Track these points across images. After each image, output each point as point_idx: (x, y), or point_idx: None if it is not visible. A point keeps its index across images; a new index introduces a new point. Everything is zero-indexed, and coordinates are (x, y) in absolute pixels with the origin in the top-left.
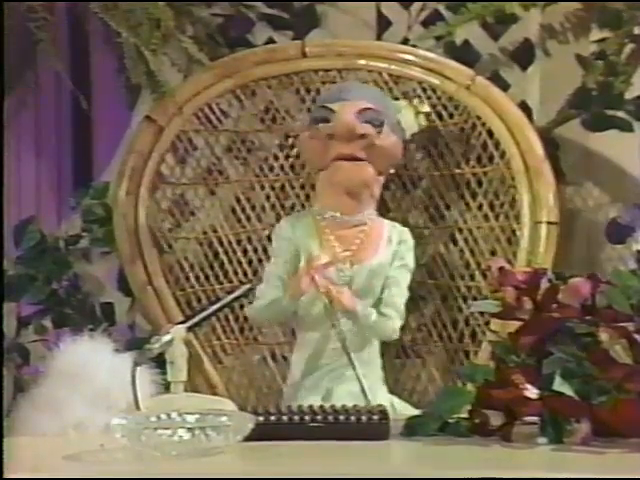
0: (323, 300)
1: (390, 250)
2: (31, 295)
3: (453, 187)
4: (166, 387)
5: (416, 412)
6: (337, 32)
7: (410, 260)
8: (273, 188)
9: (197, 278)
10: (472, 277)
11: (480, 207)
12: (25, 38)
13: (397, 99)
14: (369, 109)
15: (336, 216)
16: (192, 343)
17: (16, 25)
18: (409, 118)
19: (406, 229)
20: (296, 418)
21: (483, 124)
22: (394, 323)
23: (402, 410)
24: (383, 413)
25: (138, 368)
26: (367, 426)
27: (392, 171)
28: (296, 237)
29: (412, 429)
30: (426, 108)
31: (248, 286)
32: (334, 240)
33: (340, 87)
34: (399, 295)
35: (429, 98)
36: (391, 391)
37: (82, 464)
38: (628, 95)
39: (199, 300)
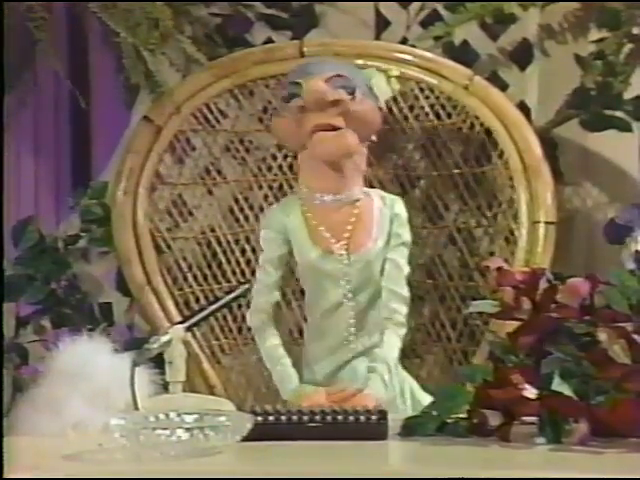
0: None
1: (384, 232)
2: (30, 295)
3: (451, 187)
4: (165, 387)
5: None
6: (336, 32)
7: (406, 235)
8: (271, 188)
9: (195, 278)
10: (470, 277)
11: (478, 207)
12: (24, 38)
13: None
14: (338, 76)
15: (323, 199)
16: (190, 343)
17: (15, 25)
18: (381, 84)
19: (397, 198)
20: (294, 418)
21: (481, 124)
22: (402, 318)
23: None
24: (381, 413)
25: (137, 368)
26: (365, 426)
27: (374, 138)
28: (286, 230)
29: (410, 429)
30: (396, 72)
31: (246, 286)
32: (324, 231)
33: (304, 64)
34: (401, 280)
35: (427, 98)
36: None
37: (81, 464)
38: (627, 95)
39: (197, 300)
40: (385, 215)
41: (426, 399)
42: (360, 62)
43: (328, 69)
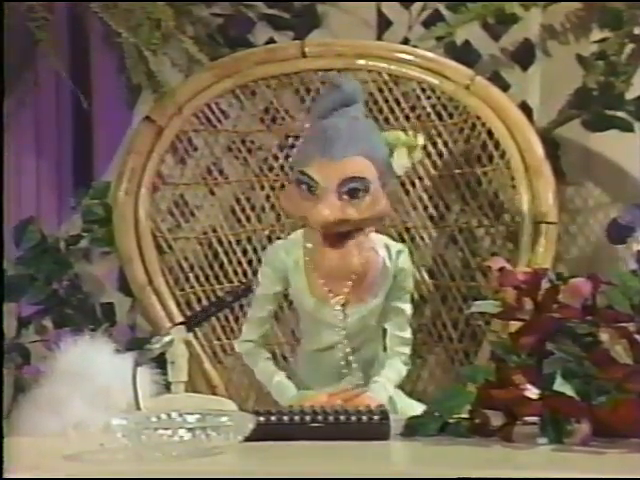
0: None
1: (386, 286)
2: (31, 295)
3: (453, 187)
4: (167, 387)
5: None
6: (337, 32)
7: (410, 285)
8: (273, 188)
9: (197, 278)
10: (472, 277)
11: (480, 207)
12: (25, 38)
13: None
14: (354, 178)
15: (324, 261)
16: (192, 343)
17: (16, 25)
18: (402, 159)
19: (403, 251)
20: (297, 418)
21: (483, 124)
22: (407, 359)
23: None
24: (383, 413)
25: (139, 368)
26: (368, 426)
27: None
28: (286, 269)
29: (412, 429)
30: (421, 141)
31: (248, 286)
32: (323, 285)
33: (325, 133)
34: (404, 324)
35: (429, 98)
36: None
37: (82, 464)
38: (628, 95)
39: (199, 300)
40: (389, 269)
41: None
42: (362, 62)
43: (345, 152)
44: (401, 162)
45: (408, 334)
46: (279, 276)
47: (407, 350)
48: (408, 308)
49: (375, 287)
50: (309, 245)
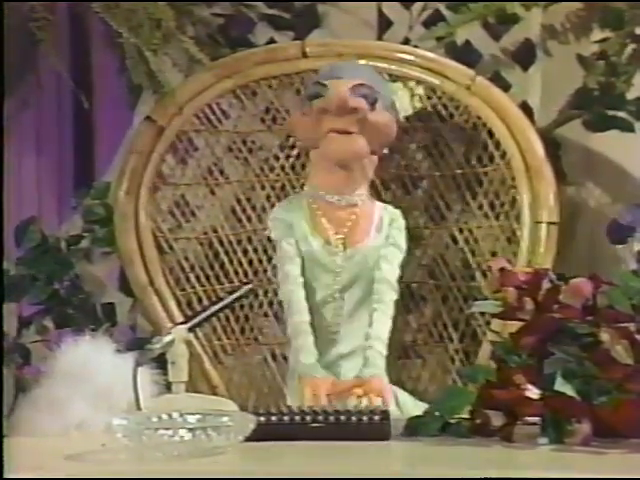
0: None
1: (382, 234)
2: (32, 295)
3: (454, 187)
4: (167, 387)
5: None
6: (338, 32)
7: (401, 240)
8: (274, 188)
9: (198, 278)
10: (473, 277)
11: (480, 207)
12: (26, 38)
13: (394, 81)
14: (363, 85)
15: (327, 198)
16: (192, 343)
17: (17, 25)
18: (404, 100)
19: (398, 211)
20: (297, 418)
21: (483, 124)
22: (390, 302)
23: (405, 401)
24: (384, 413)
25: (139, 368)
26: (368, 426)
27: (386, 151)
28: (291, 221)
29: (413, 429)
30: (421, 91)
31: (249, 286)
32: (326, 222)
33: (335, 65)
34: (391, 271)
35: (429, 98)
36: None
37: (83, 464)
38: (629, 95)
39: (200, 300)
40: (384, 220)
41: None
42: (362, 62)
43: (354, 75)
44: (404, 102)
45: (394, 281)
46: (288, 227)
47: (392, 294)
48: (397, 264)
49: (372, 232)
50: (312, 187)
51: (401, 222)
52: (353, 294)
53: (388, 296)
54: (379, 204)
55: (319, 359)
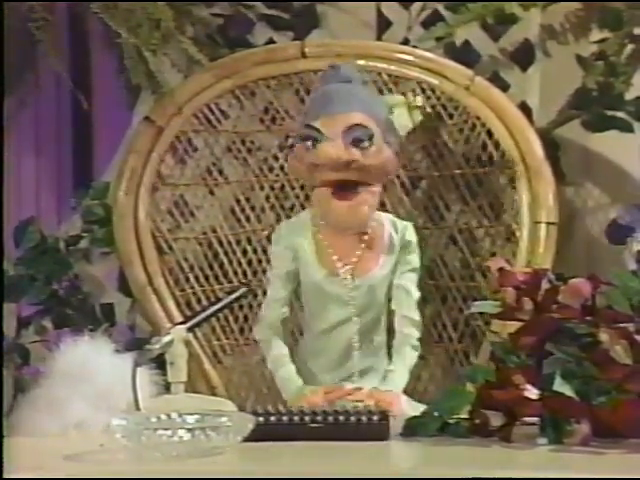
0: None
1: (393, 258)
2: (31, 295)
3: (453, 187)
4: (166, 388)
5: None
6: (337, 32)
7: (415, 261)
8: (273, 188)
9: (197, 278)
10: (472, 277)
11: (480, 207)
12: (25, 39)
13: (390, 91)
14: (357, 125)
15: (334, 227)
16: (191, 343)
17: (16, 26)
18: (403, 117)
19: (409, 225)
20: (296, 419)
21: (482, 124)
22: (416, 342)
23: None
24: (383, 413)
25: (138, 368)
26: (367, 426)
27: (390, 177)
28: (295, 247)
29: (412, 429)
30: (420, 101)
31: (248, 287)
32: (333, 253)
33: (326, 94)
34: (412, 305)
35: (428, 98)
36: None
37: (82, 464)
38: (628, 96)
39: (199, 301)
40: (395, 242)
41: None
42: (361, 63)
43: (348, 107)
44: (402, 120)
45: (417, 316)
46: (290, 254)
47: (416, 333)
48: (415, 290)
49: (382, 257)
50: (318, 219)
51: (413, 241)
52: (364, 319)
53: (412, 336)
54: (388, 220)
55: (327, 378)
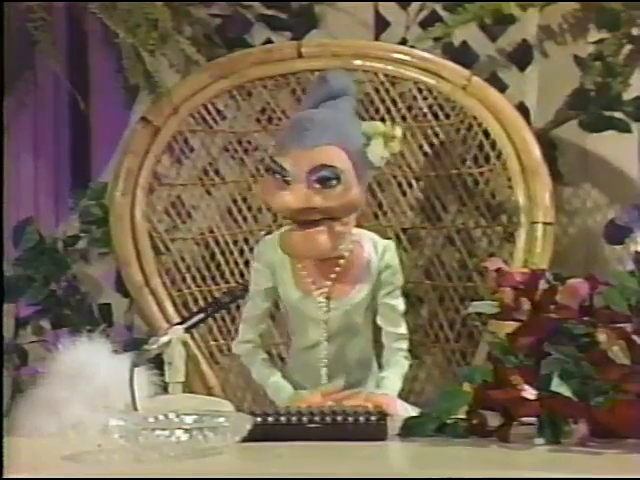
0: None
1: (371, 281)
2: (29, 296)
3: (450, 188)
4: (164, 388)
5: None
6: (335, 33)
7: (398, 280)
8: None
9: (194, 279)
10: (469, 278)
11: (477, 208)
12: (23, 39)
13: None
14: (324, 166)
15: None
16: (189, 344)
17: (15, 26)
18: (377, 150)
19: (389, 244)
20: (294, 419)
21: (479, 124)
22: (406, 354)
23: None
24: (381, 414)
25: (136, 369)
26: (365, 427)
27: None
28: (272, 263)
29: (410, 430)
30: (398, 132)
31: (245, 287)
32: (306, 276)
33: (300, 123)
34: (398, 320)
35: (425, 99)
36: None
37: (80, 464)
38: (626, 96)
39: (196, 301)
40: (374, 265)
41: None
42: (358, 63)
43: (318, 141)
44: (377, 152)
45: (403, 329)
46: (269, 271)
47: (404, 345)
48: (400, 303)
49: (359, 281)
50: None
51: (395, 262)
52: (340, 340)
53: (402, 350)
54: (368, 241)
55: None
